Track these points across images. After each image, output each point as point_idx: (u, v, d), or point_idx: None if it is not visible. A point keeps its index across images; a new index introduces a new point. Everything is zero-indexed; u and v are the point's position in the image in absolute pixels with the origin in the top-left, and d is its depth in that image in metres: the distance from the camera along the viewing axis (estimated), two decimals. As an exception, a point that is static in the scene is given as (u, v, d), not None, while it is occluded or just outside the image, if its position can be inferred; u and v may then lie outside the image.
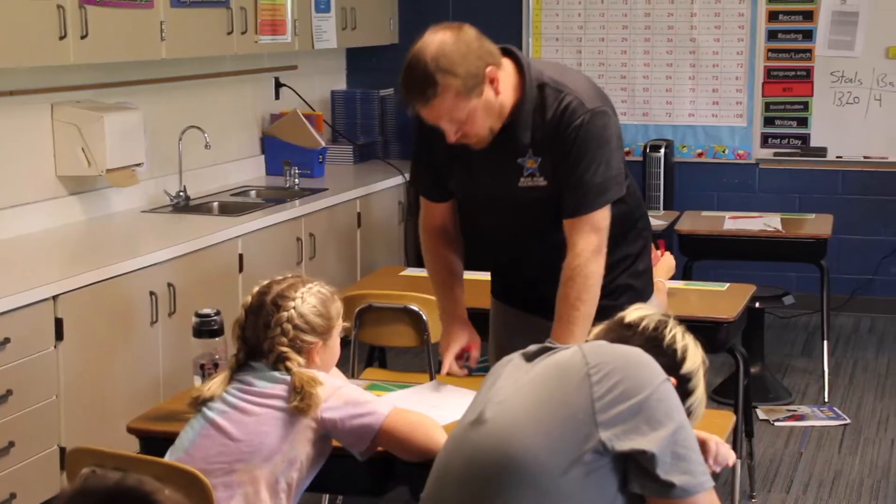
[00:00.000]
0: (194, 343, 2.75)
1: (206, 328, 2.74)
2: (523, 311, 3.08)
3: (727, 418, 2.80)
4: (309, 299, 2.47)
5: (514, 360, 2.11)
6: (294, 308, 2.45)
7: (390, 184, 6.25)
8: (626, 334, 2.08)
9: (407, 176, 6.38)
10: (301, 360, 2.44)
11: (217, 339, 2.75)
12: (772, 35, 6.56)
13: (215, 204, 5.43)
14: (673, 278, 5.34)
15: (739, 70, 6.63)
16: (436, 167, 2.96)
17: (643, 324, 2.10)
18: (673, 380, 1.98)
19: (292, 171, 5.83)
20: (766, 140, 6.64)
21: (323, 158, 6.20)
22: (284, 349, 2.43)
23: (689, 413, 2.01)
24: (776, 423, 4.86)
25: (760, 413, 4.94)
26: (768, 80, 6.59)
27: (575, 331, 2.74)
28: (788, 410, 4.99)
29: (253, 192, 5.78)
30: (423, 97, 2.66)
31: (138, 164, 4.92)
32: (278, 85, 6.39)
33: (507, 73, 2.78)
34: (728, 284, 4.14)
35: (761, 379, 5.15)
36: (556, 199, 2.80)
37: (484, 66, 2.69)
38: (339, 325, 2.53)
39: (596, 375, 1.92)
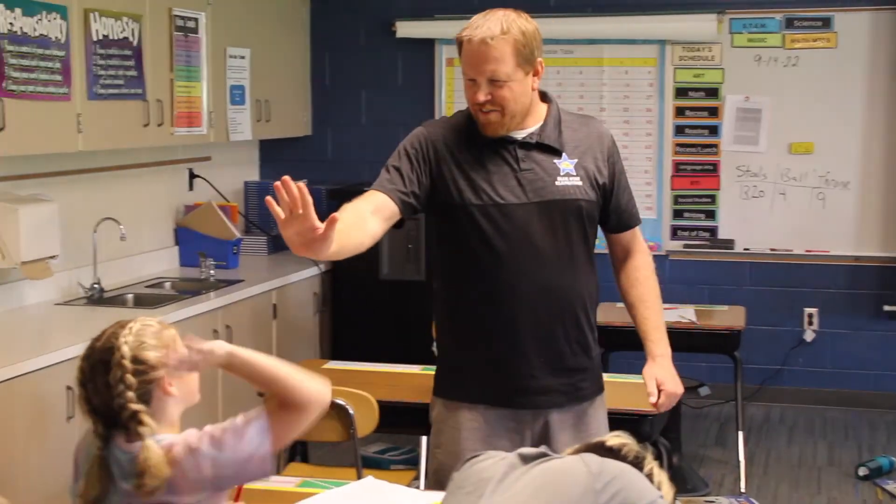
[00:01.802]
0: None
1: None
2: (502, 407, 2.98)
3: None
4: (136, 339, 2.31)
5: (509, 459, 2.12)
6: (123, 357, 2.29)
7: (305, 275, 6.23)
8: (609, 457, 2.10)
9: (322, 267, 6.37)
10: (153, 424, 2.28)
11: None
12: (679, 130, 6.75)
13: (130, 296, 5.35)
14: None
15: (648, 164, 6.79)
16: (420, 179, 2.97)
17: (625, 450, 2.13)
18: None
19: (207, 263, 5.78)
20: (675, 232, 6.79)
21: (238, 249, 6.17)
22: (136, 407, 2.27)
23: None
24: (695, 514, 4.91)
25: (679, 504, 4.98)
26: (676, 174, 6.76)
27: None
28: (706, 501, 5.04)
29: (168, 284, 5.71)
30: (490, 34, 2.83)
31: (52, 257, 4.84)
32: (192, 176, 6.37)
33: (536, 96, 3.00)
34: (648, 377, 4.17)
35: (679, 470, 5.20)
36: (585, 202, 2.99)
37: (539, 55, 2.94)
38: (179, 350, 2.35)
39: (599, 483, 1.94)
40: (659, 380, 3.12)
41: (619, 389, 4.09)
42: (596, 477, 1.97)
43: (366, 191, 3.01)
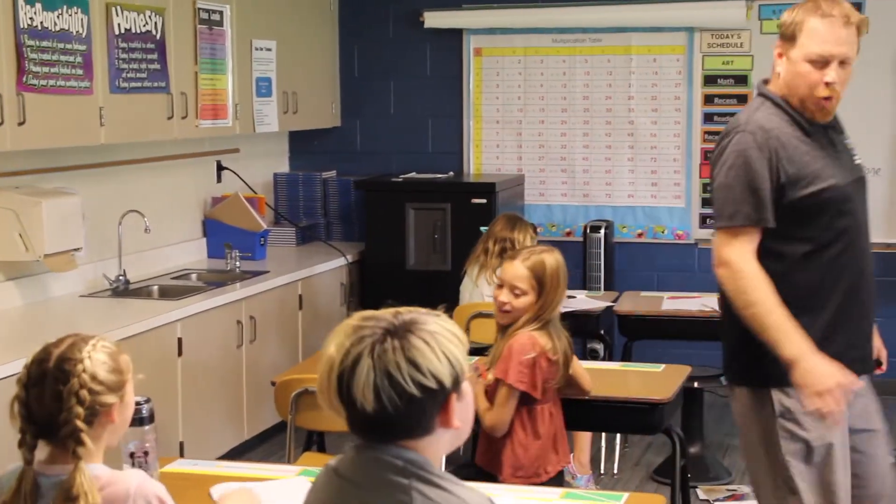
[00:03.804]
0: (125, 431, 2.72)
1: (135, 416, 2.71)
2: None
3: (656, 501, 2.81)
4: (97, 356, 2.20)
5: None
6: (84, 371, 2.17)
7: (332, 265, 6.27)
8: None
9: (349, 258, 6.41)
10: (91, 446, 2.17)
11: (147, 426, 2.73)
12: (708, 118, 6.70)
13: (155, 288, 5.41)
14: (610, 358, 5.41)
15: (677, 152, 6.75)
16: (783, 191, 2.96)
17: None
18: None
19: (233, 254, 5.83)
20: (704, 220, 6.74)
21: (265, 241, 6.22)
22: (80, 425, 2.15)
23: None
24: (715, 503, 4.87)
25: (700, 493, 4.95)
26: (705, 162, 6.71)
27: None
28: (728, 490, 5.02)
29: (194, 276, 5.77)
30: (849, 20, 2.96)
31: (77, 249, 4.90)
32: (220, 168, 6.42)
33: None
34: (664, 366, 4.17)
35: (701, 459, 5.18)
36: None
37: None
38: (131, 379, 2.30)
39: None
40: (877, 347, 3.19)
41: (630, 378, 4.08)
42: None
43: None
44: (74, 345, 2.22)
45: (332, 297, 6.25)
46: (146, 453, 2.71)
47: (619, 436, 5.32)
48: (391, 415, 1.85)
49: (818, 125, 3.03)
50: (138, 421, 2.72)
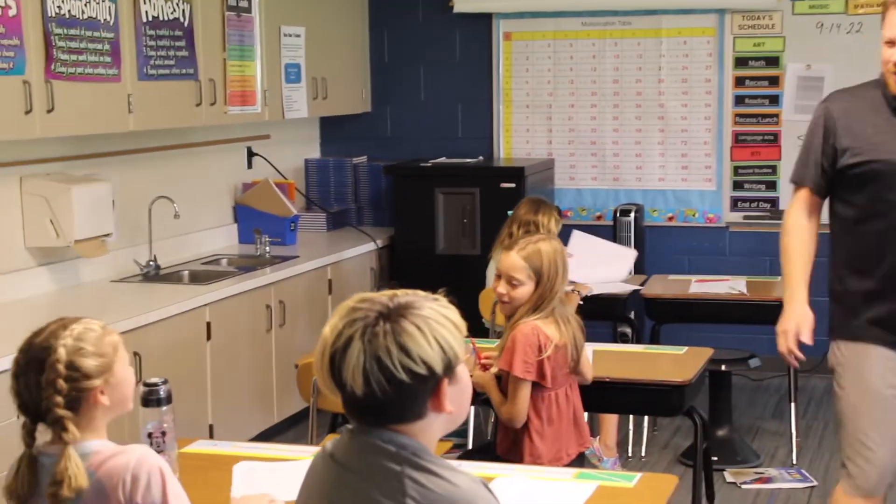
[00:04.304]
0: (142, 412, 2.77)
1: (152, 397, 2.76)
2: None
3: (669, 482, 2.81)
4: (73, 344, 2.22)
5: None
6: (58, 361, 2.19)
7: (362, 250, 6.30)
8: None
9: (379, 243, 6.44)
10: (77, 432, 2.20)
11: (164, 407, 2.77)
12: (739, 100, 6.67)
13: (185, 273, 5.47)
14: (639, 341, 5.40)
15: (708, 135, 6.72)
16: (832, 157, 3.29)
17: None
18: None
19: (262, 239, 5.88)
20: (735, 204, 6.71)
21: (295, 226, 6.26)
22: (62, 413, 2.18)
23: None
24: (743, 486, 4.87)
25: (728, 476, 4.95)
26: (736, 145, 6.68)
27: None
28: (756, 473, 5.00)
29: (224, 261, 5.82)
30: None
31: (107, 235, 4.97)
32: (251, 154, 6.47)
33: None
34: (686, 348, 4.17)
35: (729, 441, 5.17)
36: None
37: None
38: (123, 357, 2.31)
39: None
40: None
41: (652, 360, 4.09)
42: None
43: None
44: (53, 333, 2.24)
45: (361, 281, 6.29)
46: (164, 433, 2.75)
47: (646, 419, 5.32)
48: (381, 399, 1.86)
49: None
50: (156, 402, 2.76)
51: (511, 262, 3.46)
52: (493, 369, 3.51)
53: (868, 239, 3.26)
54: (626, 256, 5.60)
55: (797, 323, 3.30)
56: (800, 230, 3.35)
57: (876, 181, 3.22)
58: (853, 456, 3.28)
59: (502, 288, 3.47)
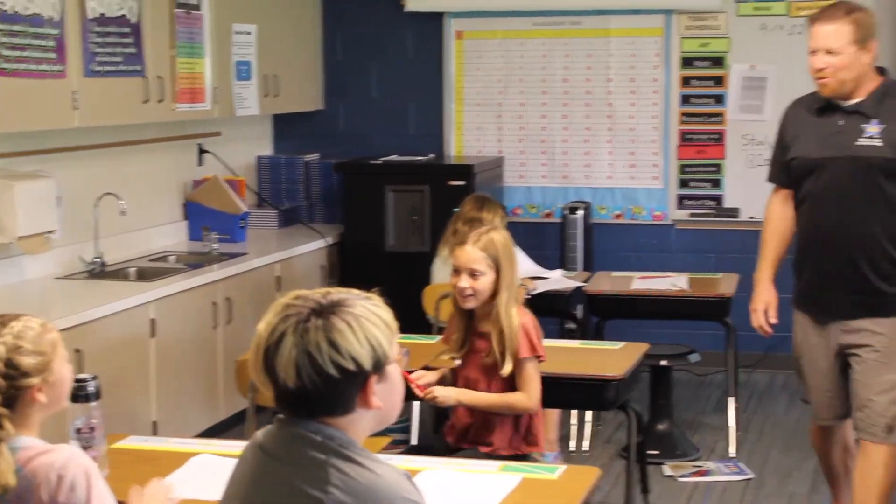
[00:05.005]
0: (71, 408, 2.80)
1: (81, 393, 2.79)
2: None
3: (591, 474, 2.87)
4: (14, 342, 2.25)
5: None
6: None
7: (312, 247, 6.34)
8: None
9: (329, 240, 6.48)
10: (12, 429, 2.23)
11: (93, 403, 2.80)
12: (685, 99, 6.76)
13: (132, 270, 5.49)
14: (584, 337, 5.46)
15: (655, 133, 6.80)
16: (784, 155, 3.88)
17: None
18: None
19: (210, 236, 5.91)
20: (681, 201, 6.80)
21: (244, 223, 6.28)
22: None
23: None
24: (681, 479, 4.95)
25: (667, 469, 5.03)
26: (683, 143, 6.77)
27: None
28: (694, 466, 5.09)
29: (172, 258, 5.84)
30: (832, 18, 3.71)
31: (51, 232, 4.98)
32: (201, 151, 6.48)
33: (873, 74, 3.78)
34: (624, 343, 4.24)
35: (669, 436, 5.25)
36: (887, 159, 3.68)
37: (872, 38, 3.74)
38: (62, 355, 2.34)
39: None
40: None
41: (587, 355, 4.15)
42: None
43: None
44: None
45: (311, 278, 6.32)
46: (92, 429, 2.78)
47: (589, 414, 5.39)
48: (311, 392, 1.92)
49: (838, 107, 3.77)
50: (84, 397, 2.79)
51: (469, 254, 3.51)
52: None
53: (801, 222, 3.90)
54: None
55: (765, 303, 3.99)
56: (774, 217, 3.99)
57: (798, 173, 3.84)
58: (806, 394, 4.05)
59: (465, 282, 3.51)
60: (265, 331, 1.95)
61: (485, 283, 3.50)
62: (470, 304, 3.55)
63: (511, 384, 3.50)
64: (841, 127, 3.76)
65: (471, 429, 3.59)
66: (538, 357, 3.50)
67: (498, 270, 3.51)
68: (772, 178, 4.02)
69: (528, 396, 3.48)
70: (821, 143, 3.78)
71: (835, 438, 4.05)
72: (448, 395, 3.50)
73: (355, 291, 2.02)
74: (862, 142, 3.72)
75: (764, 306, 3.99)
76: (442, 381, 3.62)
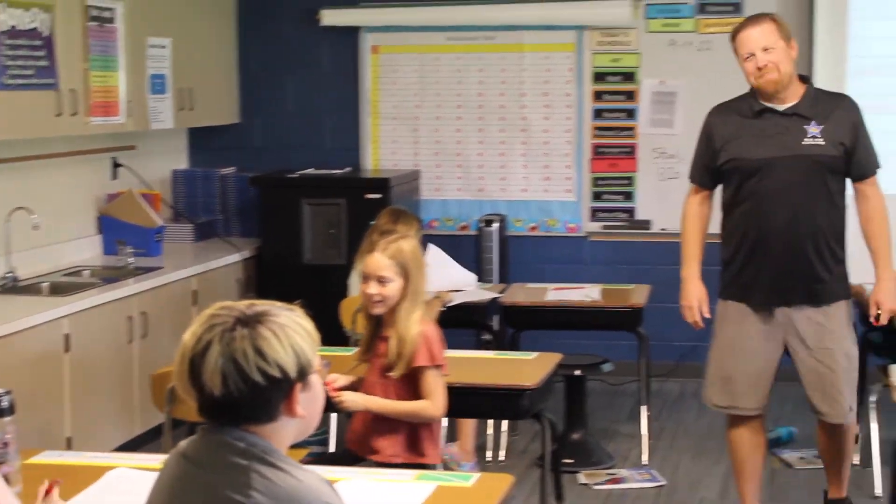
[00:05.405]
0: (-16, 423, 2.78)
1: (-6, 407, 2.78)
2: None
3: (504, 481, 2.93)
4: None
5: None
6: None
7: (228, 261, 6.33)
8: None
9: (245, 253, 6.48)
10: None
11: (6, 418, 2.79)
12: (598, 114, 6.88)
13: (45, 284, 5.43)
14: (500, 348, 5.53)
15: (568, 147, 6.92)
16: (713, 158, 4.14)
17: None
18: None
19: (125, 250, 5.88)
20: (594, 214, 6.92)
21: (160, 237, 6.26)
22: None
23: None
24: (595, 487, 5.04)
25: (581, 478, 5.11)
26: (596, 157, 6.89)
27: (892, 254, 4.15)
28: (608, 474, 5.18)
29: (87, 272, 5.79)
30: (759, 23, 4.04)
31: (-39, 246, 4.92)
32: (116, 165, 6.44)
33: (797, 79, 4.11)
34: (537, 354, 4.31)
35: (584, 444, 5.34)
36: (830, 157, 4.01)
37: (792, 38, 4.08)
38: None
39: None
40: (879, 301, 4.12)
41: (501, 365, 4.21)
42: None
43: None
44: None
45: (228, 292, 6.31)
46: (6, 444, 2.77)
47: (505, 424, 5.45)
48: (237, 400, 1.95)
49: (774, 111, 4.06)
50: (-3, 412, 2.78)
51: (376, 261, 3.57)
52: (343, 382, 3.60)
53: (736, 219, 4.12)
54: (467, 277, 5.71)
55: (698, 299, 4.24)
56: (694, 217, 4.26)
57: (739, 174, 4.07)
58: (712, 384, 4.31)
59: (373, 289, 3.56)
60: (191, 340, 1.99)
61: (393, 289, 3.56)
62: (378, 309, 3.61)
63: (406, 391, 3.55)
64: (784, 128, 4.03)
65: (363, 436, 3.64)
66: (438, 367, 3.55)
67: (406, 278, 3.57)
68: (693, 178, 4.27)
69: (434, 405, 3.53)
70: (764, 144, 4.04)
71: (753, 433, 4.26)
72: (355, 400, 3.55)
73: (278, 303, 2.06)
74: (807, 141, 4.03)
75: (697, 302, 4.23)
76: (354, 388, 3.66)
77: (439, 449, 3.67)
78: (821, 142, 4.03)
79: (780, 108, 4.07)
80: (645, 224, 6.83)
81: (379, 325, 3.65)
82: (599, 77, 6.86)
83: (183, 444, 2.06)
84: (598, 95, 6.87)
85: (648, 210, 6.83)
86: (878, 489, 4.81)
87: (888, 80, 6.41)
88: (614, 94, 6.85)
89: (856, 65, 6.41)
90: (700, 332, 6.64)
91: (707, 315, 4.25)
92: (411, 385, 3.55)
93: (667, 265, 6.75)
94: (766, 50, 4.00)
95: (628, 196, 6.87)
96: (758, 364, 4.18)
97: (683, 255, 4.29)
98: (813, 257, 4.05)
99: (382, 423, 3.56)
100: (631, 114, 6.84)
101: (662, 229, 6.77)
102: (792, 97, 4.07)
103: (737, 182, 4.10)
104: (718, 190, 4.28)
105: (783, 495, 4.92)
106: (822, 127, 4.04)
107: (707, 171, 4.21)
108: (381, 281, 3.56)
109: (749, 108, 4.12)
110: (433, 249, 5.65)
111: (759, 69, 4.01)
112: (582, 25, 6.82)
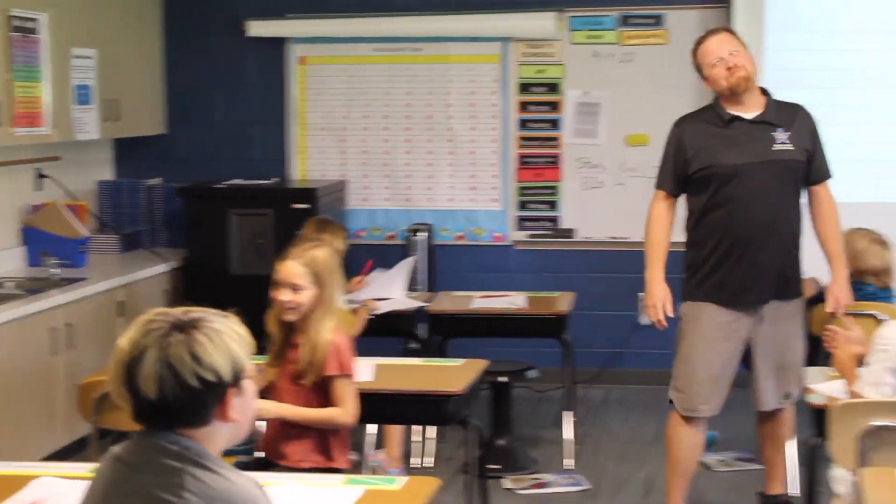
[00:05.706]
0: None
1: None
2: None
3: (431, 484, 2.99)
4: None
5: None
6: None
7: (155, 271, 6.31)
8: None
9: (172, 264, 6.47)
10: None
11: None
12: (523, 124, 6.98)
13: (-33, 296, 5.38)
14: (427, 356, 5.59)
15: (494, 157, 7.00)
16: (684, 167, 4.33)
17: None
18: None
19: (49, 261, 5.84)
20: (520, 223, 7.01)
21: (85, 248, 6.22)
22: None
23: None
24: (519, 492, 5.11)
25: (507, 483, 5.18)
26: (521, 167, 6.99)
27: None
28: (533, 479, 5.25)
29: (10, 284, 5.74)
30: (719, 32, 4.38)
31: None
32: (40, 176, 6.40)
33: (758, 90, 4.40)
34: (463, 361, 4.36)
35: (510, 450, 5.41)
36: (798, 161, 4.29)
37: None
38: None
39: None
40: (838, 297, 4.41)
41: (427, 372, 4.27)
42: None
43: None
44: None
45: (154, 302, 6.29)
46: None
47: (432, 431, 5.51)
48: (172, 404, 2.00)
49: (742, 119, 4.30)
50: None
51: (290, 269, 3.61)
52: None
53: (710, 223, 4.31)
54: (403, 266, 5.76)
55: (662, 299, 4.39)
56: (659, 221, 4.42)
57: (716, 180, 4.27)
58: (683, 386, 4.43)
59: (286, 296, 3.61)
60: (127, 345, 2.03)
61: (306, 297, 3.61)
62: (290, 316, 3.65)
63: (317, 398, 3.60)
64: (754, 135, 4.29)
65: (273, 441, 3.68)
66: (348, 376, 3.59)
67: (320, 286, 3.61)
68: (660, 186, 4.45)
69: (346, 412, 3.59)
70: (737, 151, 4.27)
71: (696, 433, 4.47)
72: (269, 407, 3.59)
73: (212, 310, 2.10)
74: (777, 147, 4.29)
75: (661, 303, 4.40)
76: (262, 394, 3.69)
77: (347, 454, 3.72)
78: (790, 147, 4.29)
79: (749, 116, 4.32)
80: (569, 233, 6.94)
81: (291, 331, 3.69)
82: (524, 88, 6.96)
83: (117, 448, 2.09)
84: (523, 106, 6.97)
85: (572, 219, 6.93)
86: (796, 489, 4.93)
87: (804, 92, 6.57)
88: (539, 104, 6.96)
89: (773, 77, 6.57)
90: (623, 338, 6.84)
91: (671, 314, 4.41)
92: (321, 392, 3.60)
93: (590, 273, 6.90)
94: (732, 53, 4.27)
95: (553, 205, 6.98)
96: (722, 365, 4.37)
97: (649, 258, 4.45)
98: (788, 256, 4.33)
99: (293, 429, 3.61)
100: (555, 124, 6.95)
101: (586, 238, 6.89)
102: (757, 106, 4.32)
103: (714, 188, 4.29)
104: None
105: (702, 498, 5.03)
106: (788, 133, 4.31)
107: (676, 180, 4.39)
108: (295, 288, 3.60)
109: (717, 117, 4.34)
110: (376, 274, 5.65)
111: (730, 69, 4.25)
112: (507, 37, 6.92)
